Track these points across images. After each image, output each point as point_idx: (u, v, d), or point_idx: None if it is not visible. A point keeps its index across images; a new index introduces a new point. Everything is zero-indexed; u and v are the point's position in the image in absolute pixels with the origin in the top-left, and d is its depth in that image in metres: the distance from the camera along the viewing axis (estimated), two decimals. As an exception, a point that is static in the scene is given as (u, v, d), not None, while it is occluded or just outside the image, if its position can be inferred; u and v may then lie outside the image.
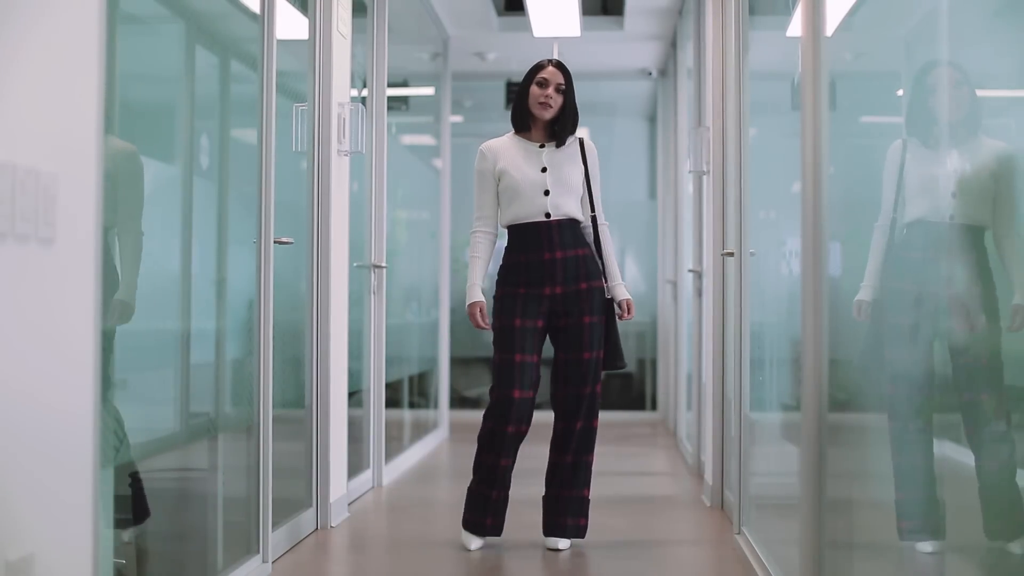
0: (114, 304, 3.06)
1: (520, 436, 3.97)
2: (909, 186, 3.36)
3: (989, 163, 3.26)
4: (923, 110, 3.36)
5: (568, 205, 3.99)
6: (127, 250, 3.08)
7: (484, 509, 4.03)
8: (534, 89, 4.01)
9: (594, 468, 4.11)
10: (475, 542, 4.03)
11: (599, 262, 4.05)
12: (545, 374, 4.22)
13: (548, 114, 4.01)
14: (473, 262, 4.06)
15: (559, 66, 4.04)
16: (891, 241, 3.42)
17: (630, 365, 9.27)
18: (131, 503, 3.05)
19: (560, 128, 4.05)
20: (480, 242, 4.07)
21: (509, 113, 4.15)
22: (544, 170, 3.99)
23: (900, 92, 3.61)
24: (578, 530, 4.06)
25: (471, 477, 4.07)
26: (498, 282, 4.04)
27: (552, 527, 4.06)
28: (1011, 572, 3.09)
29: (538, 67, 4.04)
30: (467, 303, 4.04)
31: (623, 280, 4.11)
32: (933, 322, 3.28)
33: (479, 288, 4.03)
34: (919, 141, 3.39)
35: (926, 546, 3.25)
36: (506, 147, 4.07)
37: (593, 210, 4.07)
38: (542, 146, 4.05)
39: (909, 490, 3.33)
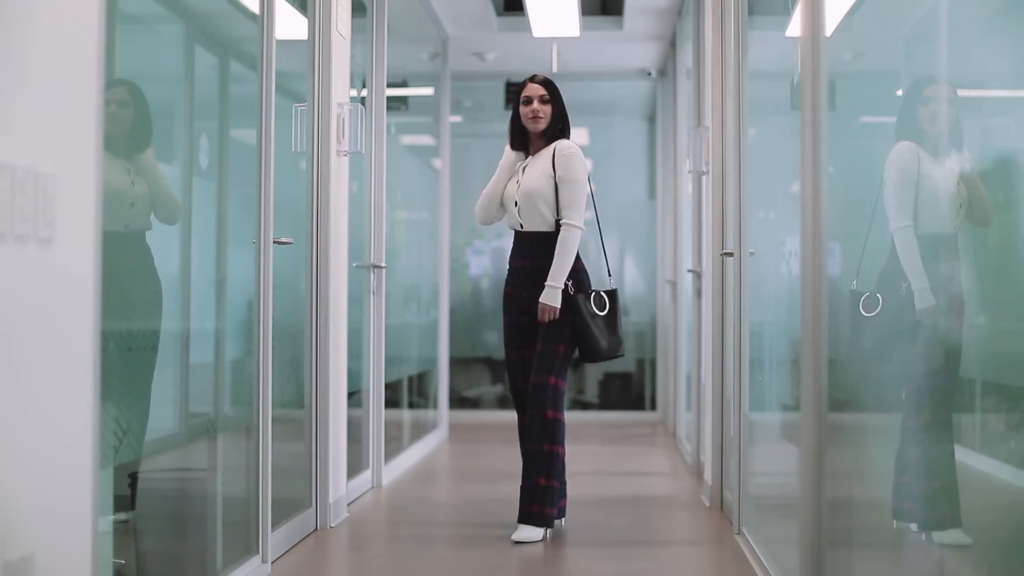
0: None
1: None
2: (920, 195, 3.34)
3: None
4: (928, 121, 3.37)
5: (534, 218, 4.17)
6: (148, 166, 3.16)
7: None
8: (522, 108, 4.25)
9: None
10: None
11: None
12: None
13: (540, 125, 4.24)
14: None
15: (542, 81, 4.28)
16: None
17: (630, 365, 9.28)
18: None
19: (548, 136, 4.26)
20: None
21: (509, 113, 4.34)
22: (517, 184, 4.24)
23: (899, 92, 3.60)
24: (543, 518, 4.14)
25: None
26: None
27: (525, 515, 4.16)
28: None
29: (521, 87, 4.28)
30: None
31: (565, 283, 4.15)
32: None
33: None
34: (926, 151, 3.38)
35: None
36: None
37: (558, 213, 4.19)
38: (525, 157, 4.31)
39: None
